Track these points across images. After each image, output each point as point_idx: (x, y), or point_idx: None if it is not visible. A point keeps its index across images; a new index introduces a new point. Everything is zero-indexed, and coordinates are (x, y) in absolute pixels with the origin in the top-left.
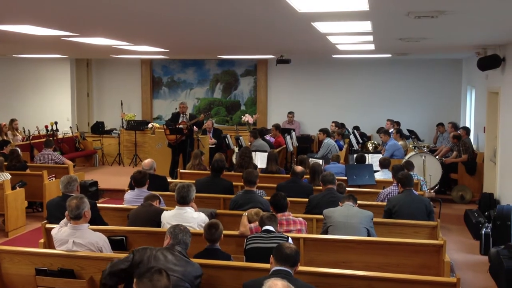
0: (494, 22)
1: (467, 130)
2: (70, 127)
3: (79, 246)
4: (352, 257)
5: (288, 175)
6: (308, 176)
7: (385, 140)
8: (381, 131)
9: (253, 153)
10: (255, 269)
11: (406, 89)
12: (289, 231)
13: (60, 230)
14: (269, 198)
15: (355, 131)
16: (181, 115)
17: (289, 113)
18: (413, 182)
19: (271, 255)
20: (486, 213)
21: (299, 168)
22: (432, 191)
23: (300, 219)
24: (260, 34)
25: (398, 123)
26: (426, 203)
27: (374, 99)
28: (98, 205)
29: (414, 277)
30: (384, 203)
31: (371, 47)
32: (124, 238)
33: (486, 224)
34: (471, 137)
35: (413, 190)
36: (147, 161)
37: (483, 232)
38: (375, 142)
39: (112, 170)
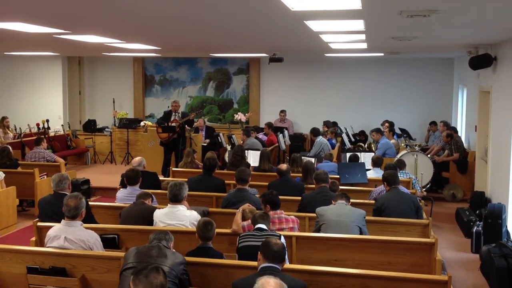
0: (486, 21)
1: (454, 130)
2: (62, 125)
3: (71, 243)
4: (345, 255)
5: None
6: (300, 175)
7: (377, 138)
8: (374, 129)
9: (245, 151)
10: (248, 267)
11: (398, 88)
12: (282, 229)
13: (53, 227)
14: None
15: (347, 130)
16: (173, 113)
17: (281, 111)
18: (399, 179)
19: (259, 252)
20: (478, 212)
21: (285, 166)
22: (424, 189)
23: (292, 217)
24: (252, 33)
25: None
26: (413, 199)
27: (366, 97)
28: (90, 203)
29: (406, 275)
30: None
31: (364, 46)
32: (116, 236)
33: (477, 223)
34: (462, 136)
35: (400, 188)
36: (136, 158)
37: (474, 230)
38: (371, 142)
39: (104, 168)
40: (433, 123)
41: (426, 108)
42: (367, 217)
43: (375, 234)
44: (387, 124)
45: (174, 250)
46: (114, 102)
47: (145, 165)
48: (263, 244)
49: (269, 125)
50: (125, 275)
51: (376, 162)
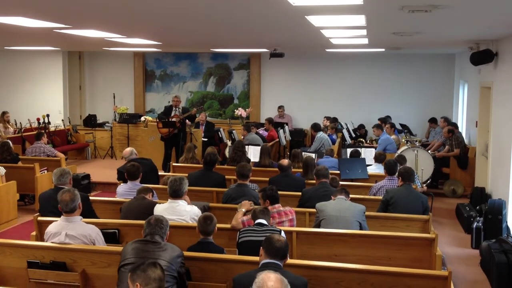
0: (487, 17)
1: (455, 126)
2: (62, 120)
3: (72, 238)
4: (345, 251)
5: None
6: (301, 170)
7: (377, 134)
8: (374, 125)
9: (246, 146)
10: (248, 262)
11: (399, 84)
12: (282, 222)
13: (52, 223)
14: None
15: (348, 125)
16: (174, 108)
17: (279, 107)
18: (414, 178)
19: (261, 247)
20: (478, 207)
21: (286, 162)
22: (424, 185)
23: (288, 207)
24: (253, 28)
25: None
26: (423, 200)
27: (367, 93)
28: (90, 198)
29: (406, 270)
30: (376, 197)
31: (365, 41)
32: (116, 231)
33: (478, 218)
34: (463, 131)
35: (412, 186)
36: (127, 149)
37: (474, 226)
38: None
39: (104, 163)
40: (433, 121)
41: (426, 104)
42: (367, 213)
43: (376, 229)
44: (379, 122)
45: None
46: (114, 97)
47: (136, 153)
48: (266, 240)
49: (270, 120)
50: (124, 271)
51: (378, 158)
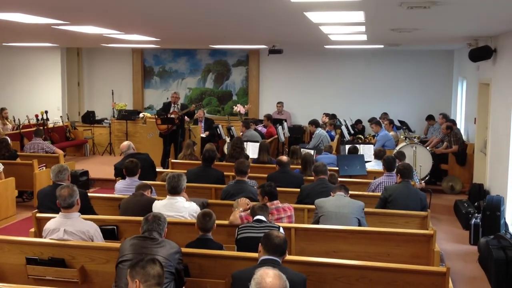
0: (486, 13)
1: (453, 123)
2: (61, 117)
3: (70, 235)
4: (343, 247)
5: None
6: (300, 167)
7: (376, 130)
8: (373, 121)
9: (244, 143)
10: (247, 258)
11: (397, 80)
12: (280, 219)
13: (51, 220)
14: None
15: (346, 122)
16: (173, 105)
17: (278, 103)
18: (412, 175)
19: (260, 244)
20: (476, 204)
21: (285, 158)
22: (423, 181)
23: (287, 204)
24: (252, 24)
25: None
26: (421, 197)
27: (365, 89)
28: (89, 194)
29: (404, 266)
30: (375, 193)
31: (364, 37)
32: (115, 227)
33: (476, 215)
34: (461, 128)
35: (410, 183)
36: (124, 143)
37: (472, 222)
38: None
39: (103, 159)
40: (430, 118)
41: (425, 101)
42: (366, 209)
43: (374, 226)
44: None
45: (168, 239)
46: (113, 93)
47: (134, 148)
48: (264, 236)
49: (268, 117)
50: (121, 268)
51: (377, 155)
